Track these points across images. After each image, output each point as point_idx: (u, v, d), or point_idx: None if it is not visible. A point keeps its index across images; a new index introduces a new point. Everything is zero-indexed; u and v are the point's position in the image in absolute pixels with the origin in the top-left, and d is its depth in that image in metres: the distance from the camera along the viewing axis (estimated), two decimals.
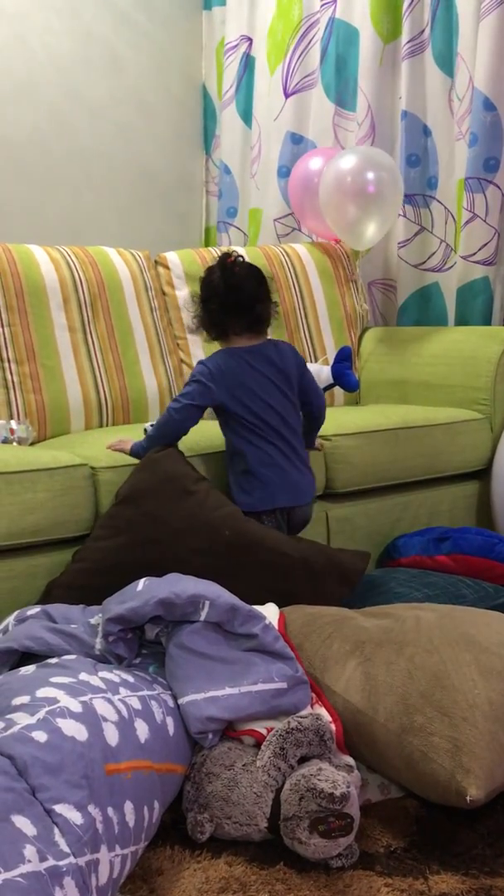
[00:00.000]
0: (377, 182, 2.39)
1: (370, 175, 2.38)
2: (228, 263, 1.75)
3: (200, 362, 1.75)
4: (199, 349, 2.39)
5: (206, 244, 3.29)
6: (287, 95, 2.93)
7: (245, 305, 1.73)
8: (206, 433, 1.83)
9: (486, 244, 2.49)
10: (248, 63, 3.06)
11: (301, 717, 1.19)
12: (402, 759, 1.17)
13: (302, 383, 1.80)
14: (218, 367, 1.72)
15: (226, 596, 1.31)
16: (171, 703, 1.23)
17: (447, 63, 2.57)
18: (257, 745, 1.21)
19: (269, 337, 1.81)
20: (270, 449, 1.72)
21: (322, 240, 2.75)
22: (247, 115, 3.09)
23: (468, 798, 1.09)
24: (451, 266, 2.63)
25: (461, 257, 2.55)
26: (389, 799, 1.26)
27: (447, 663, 1.22)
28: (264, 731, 1.22)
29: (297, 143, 2.93)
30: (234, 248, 2.65)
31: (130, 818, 1.03)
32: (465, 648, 1.25)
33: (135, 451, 1.74)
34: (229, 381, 1.71)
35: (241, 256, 1.80)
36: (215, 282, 1.75)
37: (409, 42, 2.60)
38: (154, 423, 1.79)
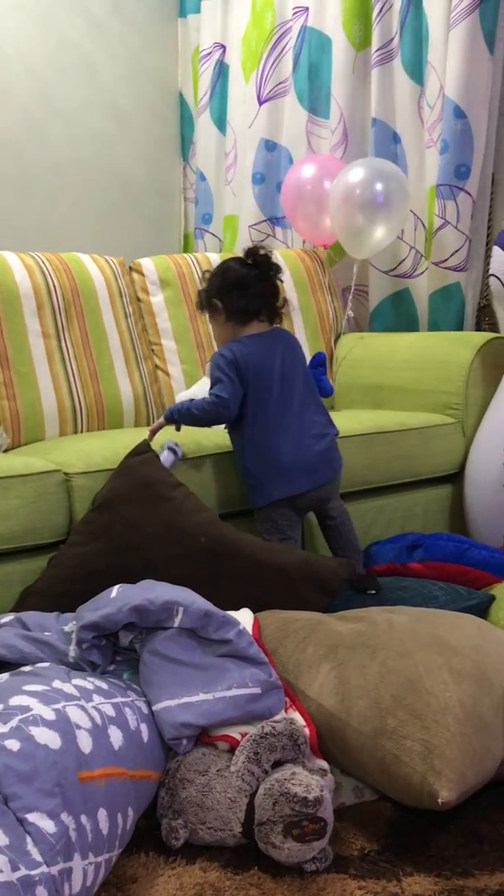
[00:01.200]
0: (386, 193, 2.44)
1: (379, 186, 2.43)
2: (262, 255, 1.88)
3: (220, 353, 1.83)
4: (174, 355, 2.40)
5: (185, 250, 3.30)
6: (261, 103, 2.95)
7: (271, 294, 1.87)
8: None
9: (457, 250, 2.51)
10: (222, 70, 3.08)
11: (275, 722, 1.19)
12: (375, 762, 1.18)
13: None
14: (243, 354, 1.81)
15: (200, 602, 1.31)
16: (145, 709, 1.23)
17: (417, 71, 2.59)
18: (231, 751, 1.22)
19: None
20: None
21: (310, 245, 2.76)
22: (221, 122, 3.10)
23: (440, 800, 1.10)
24: (422, 272, 2.65)
25: (433, 263, 2.58)
26: (363, 802, 1.27)
27: (419, 666, 1.23)
28: (238, 737, 1.22)
29: (271, 150, 2.94)
30: (210, 254, 2.66)
31: (104, 825, 1.03)
32: (438, 651, 1.27)
33: (167, 416, 1.83)
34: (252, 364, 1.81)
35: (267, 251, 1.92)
36: (248, 271, 1.86)
37: (378, 50, 2.63)
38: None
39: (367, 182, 2.43)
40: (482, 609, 1.75)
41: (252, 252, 1.89)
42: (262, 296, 1.85)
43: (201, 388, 2.12)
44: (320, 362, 2.16)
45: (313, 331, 2.60)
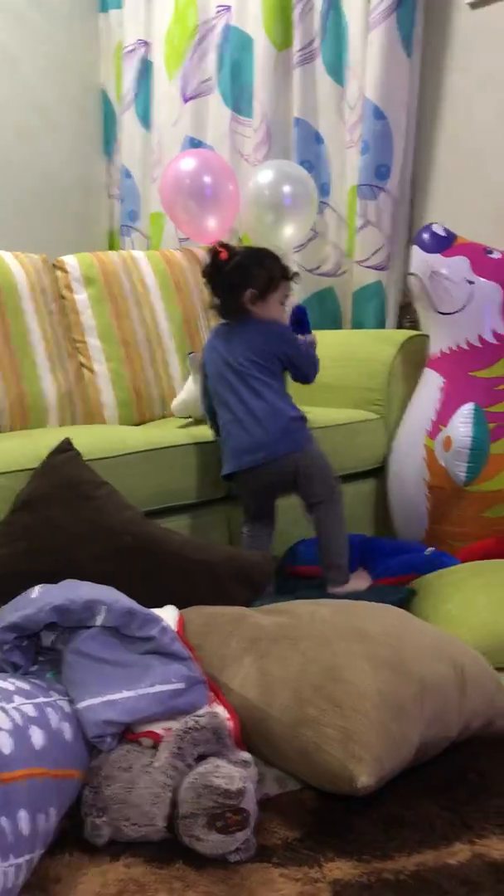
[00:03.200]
0: (293, 195, 2.53)
1: (287, 188, 2.52)
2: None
3: None
4: (100, 353, 2.38)
5: (111, 248, 3.27)
6: (185, 101, 2.95)
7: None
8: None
9: (378, 250, 2.57)
10: (146, 67, 3.07)
11: (198, 716, 1.20)
12: (297, 751, 1.20)
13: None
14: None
15: (123, 600, 1.32)
16: (67, 708, 1.23)
17: (338, 72, 2.63)
18: (156, 747, 1.22)
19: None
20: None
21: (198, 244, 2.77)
22: (146, 120, 3.10)
23: (359, 785, 1.13)
24: (345, 271, 2.70)
25: (356, 262, 2.62)
26: (287, 792, 1.29)
27: (339, 656, 1.26)
28: (162, 732, 1.23)
29: (197, 148, 2.95)
30: (135, 251, 2.65)
31: (25, 826, 1.03)
32: (358, 641, 1.30)
33: None
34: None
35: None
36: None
37: (300, 50, 2.66)
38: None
39: (275, 184, 2.51)
40: (402, 602, 1.80)
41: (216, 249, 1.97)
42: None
43: (188, 391, 2.14)
44: (296, 320, 2.05)
45: (179, 329, 2.52)
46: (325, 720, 1.18)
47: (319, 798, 1.27)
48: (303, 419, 1.96)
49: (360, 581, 1.93)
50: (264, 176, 2.59)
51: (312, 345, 1.99)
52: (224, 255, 1.94)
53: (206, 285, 2.02)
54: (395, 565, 1.99)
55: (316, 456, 1.93)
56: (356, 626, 1.34)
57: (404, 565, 1.99)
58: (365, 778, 1.12)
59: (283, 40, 2.72)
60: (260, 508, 1.96)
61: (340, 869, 1.11)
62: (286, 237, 2.56)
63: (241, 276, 1.92)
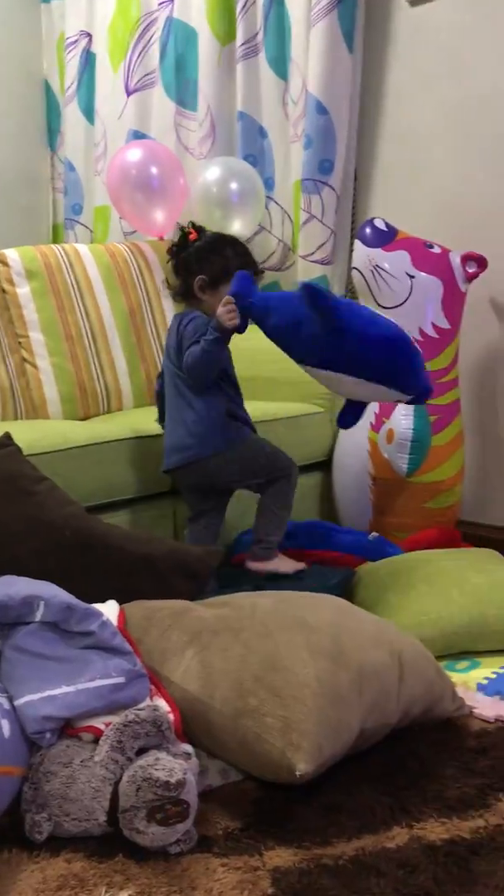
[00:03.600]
0: (240, 192, 2.55)
1: (234, 185, 2.54)
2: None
3: None
4: (42, 347, 2.36)
5: (55, 241, 3.24)
6: (129, 93, 2.93)
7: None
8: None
9: (322, 244, 2.58)
10: (88, 59, 3.04)
11: (138, 710, 1.20)
12: (238, 741, 1.21)
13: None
14: None
15: (62, 595, 1.31)
16: (6, 705, 1.22)
17: (281, 66, 2.64)
18: (96, 741, 1.22)
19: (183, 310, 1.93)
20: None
21: (151, 237, 2.76)
22: (89, 112, 3.07)
23: (298, 773, 1.14)
24: (291, 265, 2.71)
25: (300, 257, 2.63)
26: (229, 783, 1.29)
27: (280, 646, 1.27)
28: (103, 727, 1.22)
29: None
30: (79, 245, 2.63)
31: None
32: (298, 631, 1.31)
33: None
34: None
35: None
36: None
37: (243, 44, 2.66)
38: None
39: (222, 181, 2.53)
40: (344, 585, 1.82)
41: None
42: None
43: None
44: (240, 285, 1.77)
45: (124, 323, 2.51)
46: (265, 709, 1.18)
47: (261, 788, 1.27)
48: (231, 416, 1.88)
49: (285, 563, 1.87)
50: (212, 173, 2.61)
51: (211, 346, 1.77)
52: (193, 236, 1.89)
53: (168, 263, 1.97)
54: (340, 542, 2.01)
55: (245, 454, 1.87)
56: (297, 617, 1.35)
57: (348, 545, 2.01)
58: (303, 766, 1.13)
59: (226, 34, 2.71)
60: (201, 503, 1.94)
61: (280, 857, 1.12)
62: (235, 233, 2.56)
63: (196, 260, 1.86)
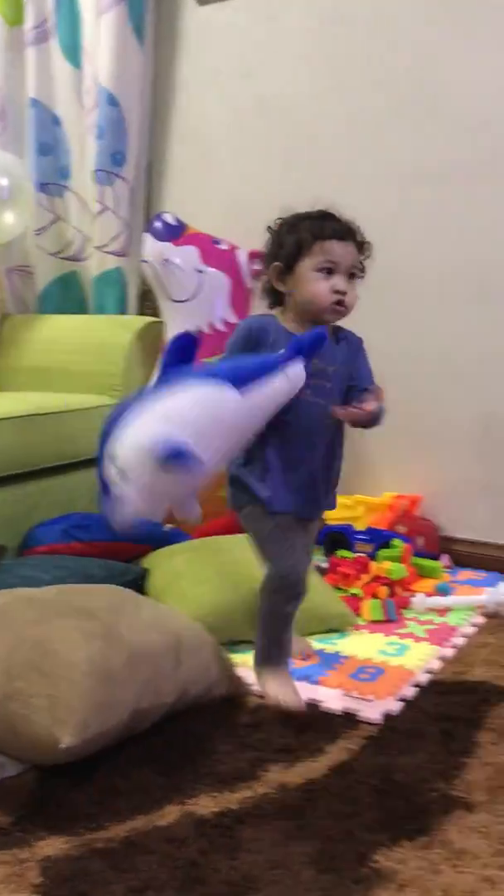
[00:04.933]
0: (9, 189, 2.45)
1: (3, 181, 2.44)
2: None
3: None
4: None
5: None
6: None
7: None
8: None
9: (117, 236, 2.58)
10: None
11: None
12: (7, 727, 1.19)
13: None
14: None
15: None
16: None
17: (73, 55, 2.60)
18: None
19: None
20: None
21: None
22: None
23: (62, 746, 1.14)
24: (89, 256, 2.68)
25: (96, 248, 2.62)
26: (6, 778, 1.28)
27: (53, 631, 1.27)
28: None
29: None
30: None
31: None
32: (74, 617, 1.31)
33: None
34: None
35: None
36: None
37: (34, 28, 2.60)
38: None
39: None
40: (136, 582, 1.84)
41: None
42: None
43: None
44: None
45: None
46: (33, 690, 1.18)
47: (40, 779, 1.27)
48: None
49: None
50: None
51: None
52: None
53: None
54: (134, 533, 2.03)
55: None
56: (76, 605, 1.36)
57: (142, 535, 2.03)
58: (68, 738, 1.14)
59: (14, 16, 2.64)
60: None
61: (51, 846, 1.12)
62: (8, 225, 2.50)
63: None
